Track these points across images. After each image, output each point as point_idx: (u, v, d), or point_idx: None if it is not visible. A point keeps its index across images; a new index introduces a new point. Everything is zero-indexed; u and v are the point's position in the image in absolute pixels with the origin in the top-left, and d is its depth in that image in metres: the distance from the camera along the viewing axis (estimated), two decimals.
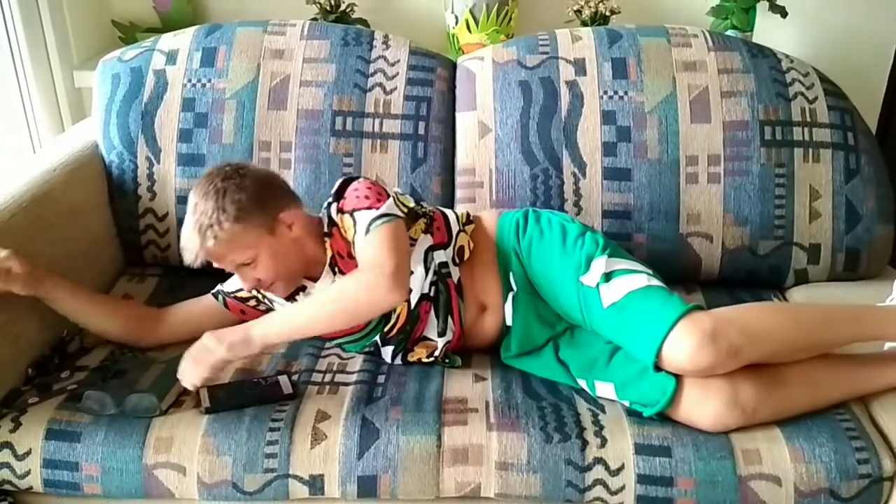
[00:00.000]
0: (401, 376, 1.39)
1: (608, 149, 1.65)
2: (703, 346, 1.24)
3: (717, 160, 1.64)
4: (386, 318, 1.42)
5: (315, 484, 1.25)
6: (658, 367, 1.28)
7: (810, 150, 1.65)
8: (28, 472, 1.26)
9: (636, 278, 1.36)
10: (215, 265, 1.39)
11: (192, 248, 1.35)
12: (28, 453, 1.26)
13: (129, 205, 1.69)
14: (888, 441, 1.28)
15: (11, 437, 1.27)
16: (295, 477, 1.25)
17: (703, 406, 1.27)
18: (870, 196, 1.65)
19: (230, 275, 1.48)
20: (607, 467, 1.24)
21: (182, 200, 1.66)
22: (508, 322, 1.44)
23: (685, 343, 1.25)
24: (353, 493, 1.25)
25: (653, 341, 1.27)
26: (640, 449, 1.25)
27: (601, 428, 1.28)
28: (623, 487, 1.24)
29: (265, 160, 1.67)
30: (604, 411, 1.32)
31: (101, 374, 1.38)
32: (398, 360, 1.44)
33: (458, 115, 1.72)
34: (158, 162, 1.68)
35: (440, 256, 1.45)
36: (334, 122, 1.67)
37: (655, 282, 1.37)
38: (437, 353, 1.42)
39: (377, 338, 1.43)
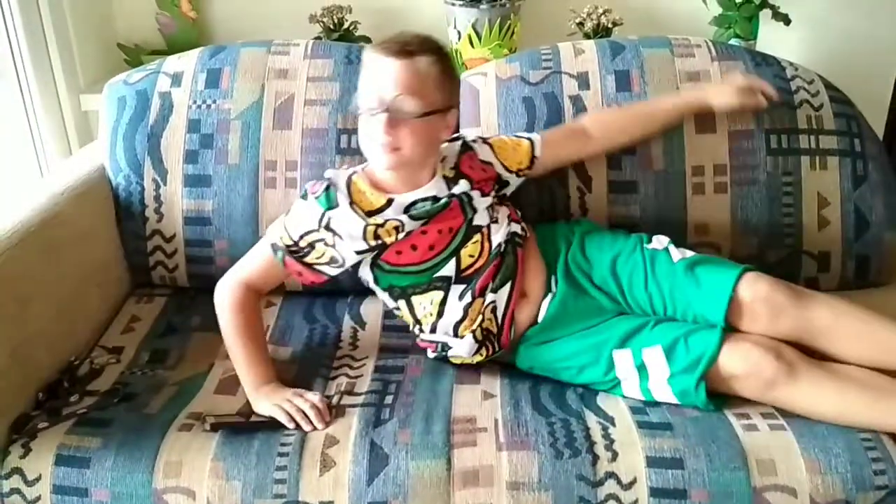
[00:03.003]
0: (409, 396, 1.38)
1: (613, 162, 1.64)
2: (770, 284, 1.35)
3: (723, 170, 1.63)
4: (461, 244, 1.44)
5: None
6: (727, 318, 1.33)
7: (817, 158, 1.64)
8: (38, 499, 1.26)
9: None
10: (380, 106, 1.35)
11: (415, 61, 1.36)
12: (38, 479, 1.26)
13: (137, 227, 1.70)
14: None
15: (21, 463, 1.27)
16: None
17: (739, 347, 1.30)
18: (878, 203, 1.64)
19: None
20: (619, 481, 1.23)
21: (189, 221, 1.68)
22: (540, 318, 1.44)
23: (753, 281, 1.35)
24: None
25: (725, 286, 1.34)
26: (652, 462, 1.24)
27: (612, 442, 1.27)
28: (636, 501, 1.22)
29: (271, 179, 1.67)
30: (614, 424, 1.31)
31: (112, 397, 1.38)
32: (456, 313, 1.42)
33: (462, 131, 1.71)
34: (165, 183, 1.68)
35: (514, 227, 1.50)
36: (339, 141, 1.68)
37: None
38: (486, 311, 1.42)
39: (453, 271, 1.43)
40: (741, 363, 1.30)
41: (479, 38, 2.06)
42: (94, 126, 2.06)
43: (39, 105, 2.03)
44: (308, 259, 1.45)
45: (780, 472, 1.22)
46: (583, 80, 1.69)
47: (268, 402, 1.34)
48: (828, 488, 1.21)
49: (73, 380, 1.41)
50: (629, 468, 1.24)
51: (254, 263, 1.47)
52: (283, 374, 1.44)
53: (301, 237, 1.43)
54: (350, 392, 1.39)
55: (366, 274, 1.49)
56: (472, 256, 1.45)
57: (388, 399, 1.37)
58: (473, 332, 1.43)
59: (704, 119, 1.64)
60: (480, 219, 1.47)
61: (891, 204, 1.65)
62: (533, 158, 1.56)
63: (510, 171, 1.55)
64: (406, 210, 1.43)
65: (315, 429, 1.30)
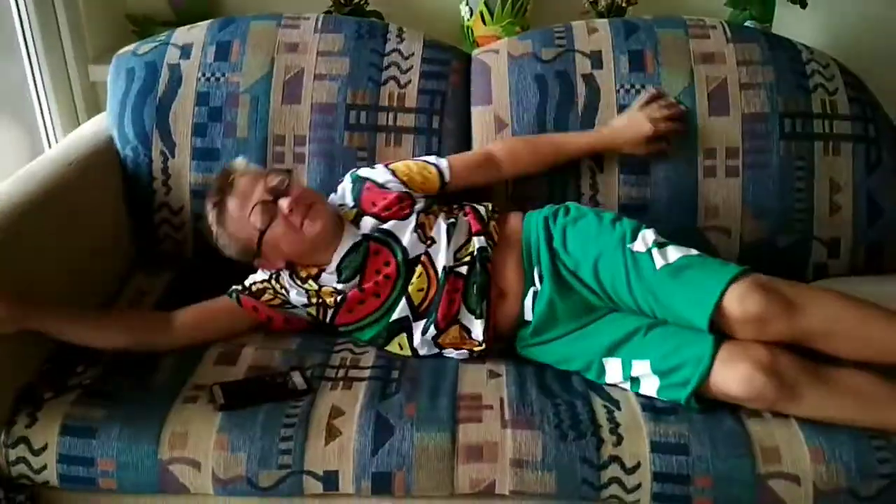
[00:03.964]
0: (414, 371, 1.39)
1: None
2: (759, 295, 1.26)
3: (735, 153, 1.62)
4: (406, 281, 1.43)
5: (329, 480, 1.25)
6: (711, 328, 1.28)
7: (831, 143, 1.62)
8: (44, 467, 1.27)
9: (689, 249, 1.38)
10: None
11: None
12: (44, 448, 1.27)
13: (145, 199, 1.69)
14: None
15: (27, 433, 1.27)
16: (309, 473, 1.25)
17: (737, 368, 1.25)
18: (892, 189, 1.63)
19: (244, 271, 1.49)
20: (623, 465, 1.23)
21: (197, 195, 1.67)
22: (528, 317, 1.43)
23: (741, 293, 1.27)
24: (368, 490, 1.25)
25: (712, 293, 1.28)
26: (657, 447, 1.24)
27: (617, 425, 1.27)
28: (639, 485, 1.23)
29: (279, 154, 1.67)
30: (619, 408, 1.31)
31: (116, 367, 1.38)
32: (428, 346, 1.43)
33: (473, 109, 1.71)
34: (173, 156, 1.68)
35: (480, 242, 1.47)
36: (348, 116, 1.67)
37: (706, 255, 1.38)
38: (475, 337, 1.42)
39: (407, 311, 1.43)
40: (740, 386, 1.25)
41: (492, 16, 2.04)
42: (103, 97, 2.04)
43: (47, 75, 2.02)
44: (264, 298, 1.48)
45: (785, 459, 1.22)
46: (596, 59, 1.67)
47: None
48: (831, 476, 1.21)
49: (76, 350, 1.40)
50: (633, 452, 1.24)
51: (209, 302, 1.49)
52: (285, 345, 1.45)
53: (252, 284, 1.49)
54: (356, 366, 1.40)
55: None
56: (421, 290, 1.44)
57: (394, 374, 1.38)
58: (458, 347, 1.43)
59: (718, 102, 1.63)
60: (413, 249, 1.46)
61: None
62: (443, 184, 1.56)
63: (419, 195, 1.54)
64: (339, 274, 1.46)
65: None
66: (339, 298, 1.45)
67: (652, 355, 1.32)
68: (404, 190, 1.53)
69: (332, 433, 1.26)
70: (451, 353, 1.44)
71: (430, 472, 1.24)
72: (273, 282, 1.49)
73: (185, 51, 1.72)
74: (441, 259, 1.45)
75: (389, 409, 1.29)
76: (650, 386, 1.32)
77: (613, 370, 1.35)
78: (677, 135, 1.59)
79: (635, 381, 1.33)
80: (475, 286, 1.44)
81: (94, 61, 2.10)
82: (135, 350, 1.41)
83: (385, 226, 1.48)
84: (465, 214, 1.53)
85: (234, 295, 1.49)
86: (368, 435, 1.26)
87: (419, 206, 1.51)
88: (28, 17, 1.96)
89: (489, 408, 1.30)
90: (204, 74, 1.69)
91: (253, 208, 1.43)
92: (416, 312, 1.44)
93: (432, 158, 1.60)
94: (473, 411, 1.29)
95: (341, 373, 1.38)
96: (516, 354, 1.46)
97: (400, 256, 1.45)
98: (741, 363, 1.26)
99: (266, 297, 1.48)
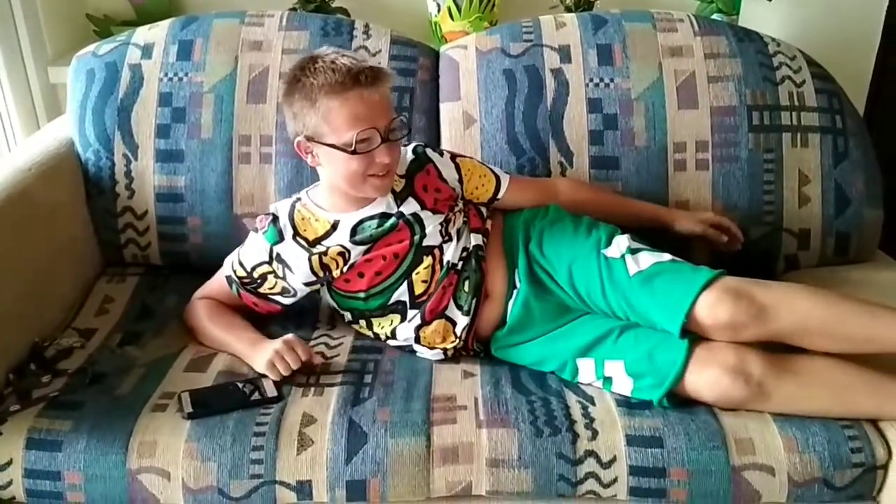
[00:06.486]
0: (388, 375, 1.38)
1: (595, 137, 1.63)
2: (729, 302, 1.27)
3: (704, 146, 1.62)
4: (412, 270, 1.42)
5: (303, 490, 1.23)
6: (684, 333, 1.28)
7: (798, 135, 1.63)
8: (10, 483, 1.24)
9: (661, 255, 1.38)
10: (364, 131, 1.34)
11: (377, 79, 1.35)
12: (9, 463, 1.23)
13: (107, 203, 1.66)
14: (880, 429, 1.27)
15: None
16: (282, 483, 1.23)
17: (706, 373, 1.27)
18: (858, 179, 1.64)
19: (205, 272, 1.49)
20: (599, 460, 1.23)
21: (161, 198, 1.64)
22: (508, 319, 1.43)
23: (711, 300, 1.27)
24: (343, 498, 1.23)
25: (683, 302, 1.28)
26: (632, 440, 1.24)
27: (591, 420, 1.27)
28: (615, 479, 1.23)
29: (245, 154, 1.64)
30: (594, 403, 1.31)
31: (81, 378, 1.35)
32: (408, 335, 1.42)
33: (442, 105, 1.69)
34: (136, 159, 1.64)
35: (477, 239, 1.46)
36: None
37: (680, 259, 1.38)
38: (457, 332, 1.41)
39: (406, 296, 1.42)
40: (709, 389, 1.27)
41: (459, 11, 2.03)
42: (63, 99, 2.00)
43: (5, 78, 1.97)
44: (262, 290, 1.48)
45: (759, 450, 1.23)
46: (564, 54, 1.66)
47: (261, 360, 1.36)
48: (805, 466, 1.22)
49: (39, 361, 1.37)
50: (609, 447, 1.24)
51: (215, 289, 1.52)
52: None
53: (253, 269, 1.46)
54: (327, 371, 1.38)
55: (328, 299, 1.50)
56: (424, 282, 1.43)
57: (367, 378, 1.36)
58: (432, 346, 1.42)
59: (686, 95, 1.63)
60: (431, 239, 1.44)
61: (871, 181, 1.65)
62: (493, 199, 1.55)
63: (462, 198, 1.53)
64: (352, 233, 1.42)
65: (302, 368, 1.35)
66: (344, 267, 1.43)
67: (626, 357, 1.32)
68: (458, 190, 1.51)
69: (304, 442, 1.24)
70: (424, 352, 1.42)
71: (405, 477, 1.23)
72: (275, 262, 1.44)
73: (147, 50, 1.68)
74: (448, 255, 1.44)
75: (362, 414, 1.27)
76: (623, 386, 1.32)
77: (587, 370, 1.35)
78: (720, 239, 1.56)
79: (608, 380, 1.33)
80: (467, 282, 1.43)
81: (54, 62, 2.06)
82: None
83: (421, 213, 1.45)
84: (469, 213, 1.51)
85: (234, 287, 1.48)
86: (341, 443, 1.24)
87: (458, 207, 1.50)
88: None
89: (463, 408, 1.29)
90: (166, 74, 1.66)
91: (367, 129, 1.34)
92: (414, 301, 1.43)
93: (497, 169, 1.57)
94: (448, 412, 1.28)
95: (312, 379, 1.36)
96: (491, 355, 1.45)
97: (416, 239, 1.43)
98: (710, 368, 1.27)
99: (266, 285, 1.46)
